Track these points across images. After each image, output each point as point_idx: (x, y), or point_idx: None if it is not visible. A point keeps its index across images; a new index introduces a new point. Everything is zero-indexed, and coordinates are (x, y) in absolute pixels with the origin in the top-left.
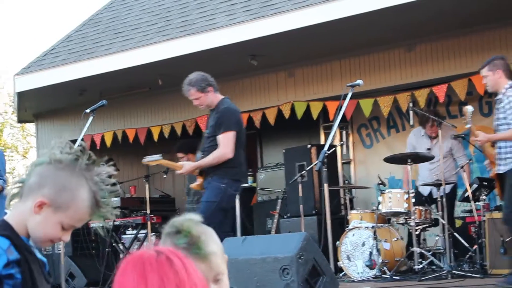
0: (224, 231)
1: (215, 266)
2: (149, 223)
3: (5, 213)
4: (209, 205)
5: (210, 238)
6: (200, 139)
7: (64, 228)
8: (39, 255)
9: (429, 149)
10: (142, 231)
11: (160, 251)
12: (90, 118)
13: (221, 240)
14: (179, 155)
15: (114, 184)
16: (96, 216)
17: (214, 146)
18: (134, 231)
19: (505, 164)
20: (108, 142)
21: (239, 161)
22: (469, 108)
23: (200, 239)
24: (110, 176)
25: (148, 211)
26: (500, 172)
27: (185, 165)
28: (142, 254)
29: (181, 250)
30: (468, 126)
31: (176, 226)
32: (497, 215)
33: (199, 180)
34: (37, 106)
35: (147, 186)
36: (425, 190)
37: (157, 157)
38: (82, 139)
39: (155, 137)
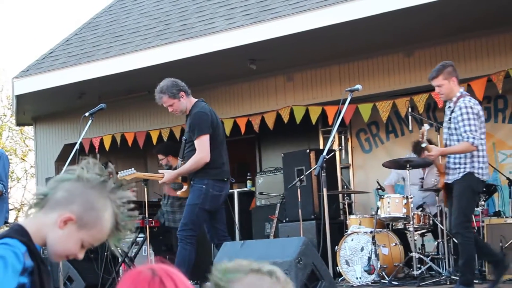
0: (216, 230)
1: None
2: (147, 227)
3: (5, 217)
4: (192, 208)
5: None
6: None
7: (83, 246)
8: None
9: (422, 178)
10: (141, 235)
11: (156, 272)
12: (89, 122)
13: (218, 241)
14: (160, 156)
15: (133, 209)
16: (113, 238)
17: (192, 151)
18: (133, 235)
19: (453, 174)
20: (107, 145)
21: (219, 161)
22: (425, 127)
23: None
24: (129, 202)
25: (146, 215)
26: (449, 182)
27: (166, 174)
28: (138, 273)
29: None
30: (423, 145)
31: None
32: (496, 220)
33: (185, 187)
34: (35, 109)
35: (145, 189)
36: None
37: (130, 171)
38: (81, 143)
39: (154, 140)
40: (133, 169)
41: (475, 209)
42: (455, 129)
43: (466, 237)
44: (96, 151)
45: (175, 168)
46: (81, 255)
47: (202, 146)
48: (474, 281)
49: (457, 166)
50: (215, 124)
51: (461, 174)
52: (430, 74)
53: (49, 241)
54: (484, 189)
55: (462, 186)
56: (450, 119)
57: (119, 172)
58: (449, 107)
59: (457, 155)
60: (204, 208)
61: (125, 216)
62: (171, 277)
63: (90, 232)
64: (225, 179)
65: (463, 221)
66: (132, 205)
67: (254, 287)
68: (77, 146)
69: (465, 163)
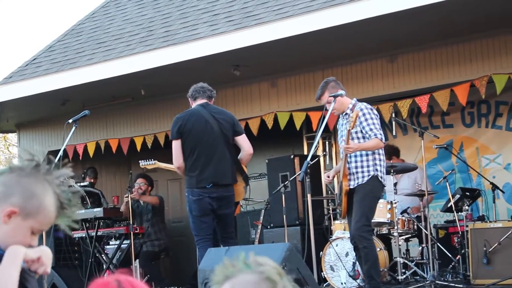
0: (207, 234)
1: None
2: (132, 233)
3: None
4: (190, 217)
5: None
6: None
7: (34, 232)
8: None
9: (395, 183)
10: (125, 241)
11: (121, 283)
12: (73, 128)
13: (222, 243)
14: (141, 180)
15: (71, 186)
16: (62, 217)
17: None
18: (117, 242)
19: (355, 179)
20: (91, 152)
21: (193, 168)
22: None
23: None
24: (68, 178)
25: (131, 221)
26: (351, 187)
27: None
28: (105, 284)
29: None
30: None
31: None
32: (480, 225)
33: None
34: (19, 116)
35: (130, 196)
36: None
37: (151, 161)
38: (65, 149)
39: (138, 147)
40: (153, 159)
41: (460, 213)
42: (356, 132)
43: (369, 240)
44: (80, 158)
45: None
46: (34, 242)
47: (173, 152)
48: (459, 285)
49: (360, 170)
50: (186, 129)
51: (365, 178)
52: (316, 95)
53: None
54: (468, 193)
55: (366, 190)
56: (343, 124)
57: (140, 161)
58: (346, 114)
59: (359, 160)
60: (192, 215)
61: (67, 194)
62: (133, 284)
63: (36, 219)
64: (201, 186)
65: (366, 224)
66: (71, 181)
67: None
68: (60, 153)
69: (368, 166)
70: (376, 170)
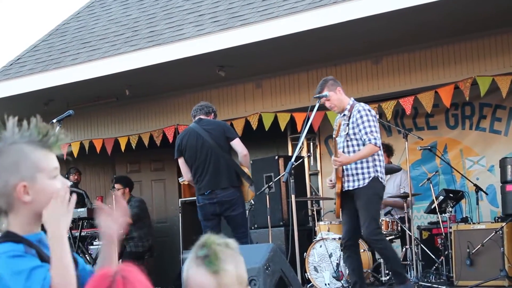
0: (233, 234)
1: (224, 285)
2: None
3: None
4: None
5: (229, 258)
6: (166, 149)
7: (55, 177)
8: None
9: None
10: None
11: (115, 279)
12: (57, 128)
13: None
14: (118, 186)
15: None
16: (53, 145)
17: None
18: (101, 242)
19: (354, 181)
20: (75, 152)
21: (195, 178)
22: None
23: (217, 256)
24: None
25: None
26: (349, 188)
27: None
28: (103, 276)
29: (199, 260)
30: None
31: (203, 240)
32: (464, 226)
33: None
34: (2, 115)
35: (114, 196)
36: None
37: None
38: None
39: (122, 147)
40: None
41: (443, 215)
42: (354, 134)
43: (382, 240)
44: (64, 158)
45: (128, 201)
46: (66, 182)
47: (181, 168)
48: (442, 287)
49: (360, 171)
50: (183, 147)
51: (366, 180)
52: (315, 92)
53: (36, 212)
54: (451, 195)
55: (369, 193)
56: (348, 125)
57: (179, 178)
58: (344, 115)
59: (358, 161)
60: (200, 219)
61: (36, 130)
62: (133, 279)
63: (43, 173)
64: (201, 193)
65: (376, 228)
66: (34, 120)
67: None
68: None
69: (368, 167)
70: (376, 171)
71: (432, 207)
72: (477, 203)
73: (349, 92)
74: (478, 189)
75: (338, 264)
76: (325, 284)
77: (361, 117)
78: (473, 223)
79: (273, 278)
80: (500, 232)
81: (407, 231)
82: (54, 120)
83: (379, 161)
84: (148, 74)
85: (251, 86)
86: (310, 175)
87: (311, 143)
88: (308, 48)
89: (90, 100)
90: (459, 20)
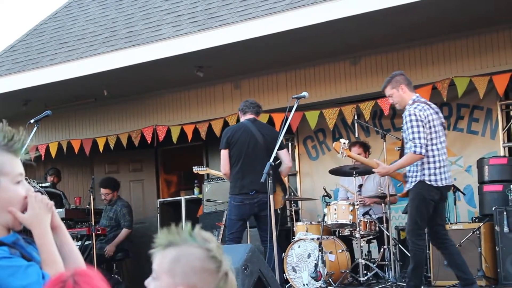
0: (236, 236)
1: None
2: (94, 234)
3: None
4: (227, 220)
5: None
6: (144, 150)
7: (18, 182)
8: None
9: (360, 185)
10: (87, 242)
11: (76, 281)
12: (34, 129)
13: (262, 244)
14: (106, 191)
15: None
16: (18, 150)
17: None
18: (79, 243)
19: (409, 183)
20: (53, 153)
21: (236, 176)
22: (342, 141)
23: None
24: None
25: (93, 222)
26: (407, 190)
27: None
28: (55, 278)
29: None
30: (344, 157)
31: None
32: None
33: None
34: None
35: (91, 197)
36: None
37: (203, 168)
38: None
39: (101, 148)
40: (205, 166)
41: None
42: (405, 137)
43: (417, 244)
44: (42, 158)
45: (114, 203)
46: (29, 190)
47: (221, 159)
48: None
49: (410, 174)
50: (234, 140)
51: (413, 183)
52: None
53: (25, 220)
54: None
55: (413, 194)
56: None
57: (194, 167)
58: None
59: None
60: (231, 218)
61: (5, 138)
62: (84, 285)
63: (7, 177)
64: (243, 192)
65: (414, 228)
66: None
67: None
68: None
69: (416, 171)
70: (423, 174)
71: None
72: (455, 203)
73: (327, 93)
74: (455, 189)
75: (316, 265)
76: (303, 285)
77: (406, 123)
78: (451, 223)
79: (252, 279)
80: (478, 232)
81: (385, 231)
82: (32, 121)
83: (429, 163)
84: (126, 74)
85: (229, 86)
86: (288, 175)
87: (290, 144)
88: (287, 48)
89: (68, 100)
90: (436, 21)
